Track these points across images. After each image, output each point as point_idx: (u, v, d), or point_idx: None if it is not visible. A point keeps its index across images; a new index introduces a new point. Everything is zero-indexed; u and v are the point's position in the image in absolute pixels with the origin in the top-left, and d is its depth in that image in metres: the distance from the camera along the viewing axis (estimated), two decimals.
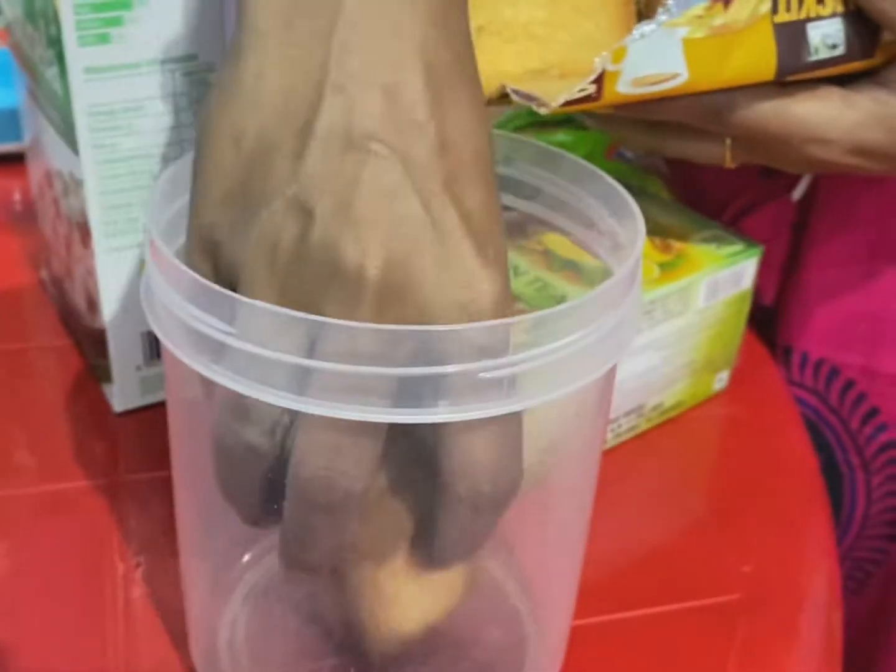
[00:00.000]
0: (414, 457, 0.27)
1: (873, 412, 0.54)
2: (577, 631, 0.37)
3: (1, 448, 0.44)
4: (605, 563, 0.40)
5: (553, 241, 0.44)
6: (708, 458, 0.48)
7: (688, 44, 0.34)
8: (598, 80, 0.34)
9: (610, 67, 0.34)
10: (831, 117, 0.38)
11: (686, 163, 0.61)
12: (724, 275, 0.46)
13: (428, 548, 0.28)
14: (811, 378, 0.55)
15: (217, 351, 0.26)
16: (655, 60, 0.34)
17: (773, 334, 0.56)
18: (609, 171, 0.32)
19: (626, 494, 0.44)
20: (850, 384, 0.54)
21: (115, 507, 0.41)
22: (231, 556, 0.36)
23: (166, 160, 0.41)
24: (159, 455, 0.42)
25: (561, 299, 0.42)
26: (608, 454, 0.46)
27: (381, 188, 0.25)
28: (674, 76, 0.35)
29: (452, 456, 0.26)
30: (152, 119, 0.40)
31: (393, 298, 0.25)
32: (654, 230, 0.47)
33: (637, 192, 0.50)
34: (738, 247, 0.47)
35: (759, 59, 0.36)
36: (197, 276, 0.26)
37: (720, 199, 0.58)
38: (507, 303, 0.25)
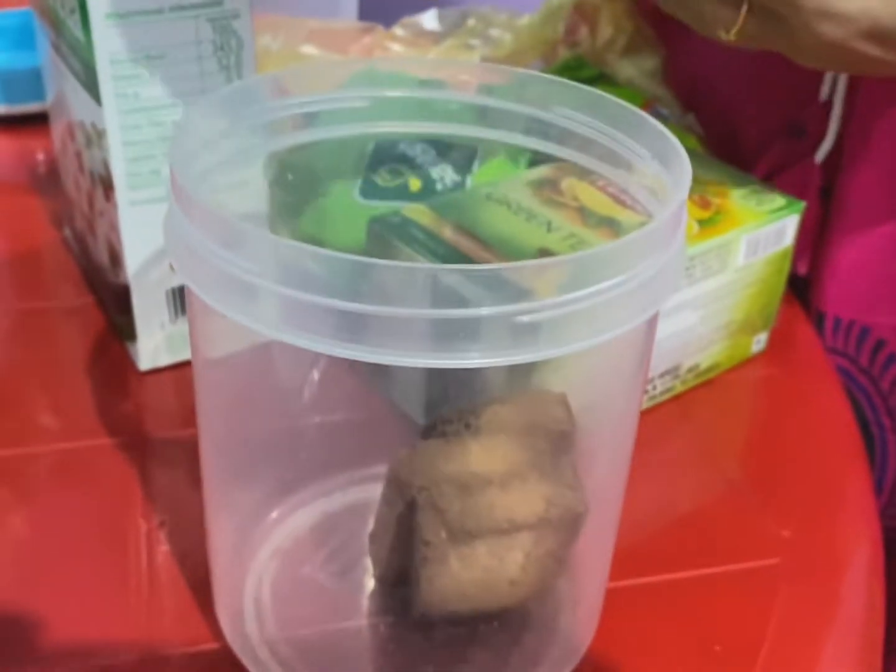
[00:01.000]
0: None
1: None
2: (614, 593, 0.36)
3: (25, 406, 0.44)
4: (641, 526, 0.39)
5: (588, 197, 0.42)
6: (745, 421, 0.46)
7: None
8: None
9: None
10: None
11: (717, 119, 0.59)
12: (765, 231, 0.44)
13: None
14: (842, 340, 0.53)
15: (245, 294, 0.25)
16: None
17: (806, 301, 0.55)
18: None
19: (661, 457, 0.43)
20: (881, 344, 0.52)
21: (139, 466, 0.41)
22: (258, 514, 0.35)
23: None
24: (184, 414, 0.41)
25: None
26: (643, 416, 0.44)
27: None
28: None
29: None
30: (175, 67, 0.39)
31: None
32: (693, 186, 0.45)
33: None
34: (779, 202, 0.45)
35: None
36: (225, 215, 0.25)
37: (747, 159, 0.57)
38: None
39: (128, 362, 0.46)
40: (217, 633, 0.34)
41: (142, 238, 0.42)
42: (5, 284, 0.52)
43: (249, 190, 0.39)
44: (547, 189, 0.42)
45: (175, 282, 0.44)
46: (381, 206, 0.46)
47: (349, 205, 0.47)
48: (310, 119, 0.34)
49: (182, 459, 0.41)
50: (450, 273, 0.23)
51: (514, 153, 0.44)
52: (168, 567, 0.36)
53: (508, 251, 0.40)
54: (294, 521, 0.35)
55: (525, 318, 0.23)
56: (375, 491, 0.31)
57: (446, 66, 0.35)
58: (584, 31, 0.62)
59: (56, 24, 0.43)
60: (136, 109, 0.39)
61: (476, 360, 0.24)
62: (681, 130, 0.57)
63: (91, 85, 0.40)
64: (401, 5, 0.73)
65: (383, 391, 0.38)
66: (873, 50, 0.36)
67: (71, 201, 0.50)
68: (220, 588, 0.34)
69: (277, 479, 0.36)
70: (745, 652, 0.35)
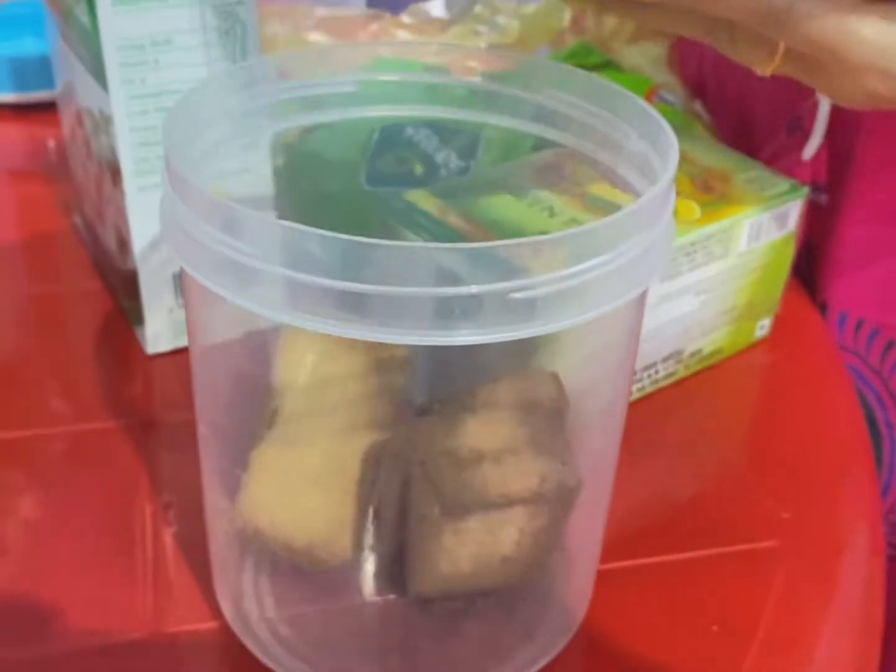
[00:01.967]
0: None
1: None
2: (613, 573, 0.36)
3: (34, 389, 0.44)
4: (642, 508, 0.40)
5: (591, 182, 0.43)
6: (748, 406, 0.47)
7: None
8: None
9: None
10: None
11: (724, 109, 0.59)
12: (768, 216, 0.44)
13: None
14: (851, 339, 0.53)
15: (243, 277, 0.25)
16: None
17: (811, 291, 0.55)
18: None
19: (662, 441, 0.43)
20: (891, 344, 0.52)
21: (146, 449, 0.41)
22: None
23: None
24: (190, 397, 0.42)
25: None
26: (646, 400, 0.45)
27: None
28: None
29: None
30: (181, 53, 0.40)
31: None
32: (696, 171, 0.45)
33: (680, 132, 0.48)
34: (782, 187, 0.45)
35: None
36: (220, 198, 0.25)
37: (754, 147, 0.57)
38: None
39: (136, 346, 0.46)
40: (219, 611, 0.34)
41: (149, 224, 0.43)
42: (17, 270, 0.52)
43: (253, 174, 0.40)
44: (550, 174, 0.42)
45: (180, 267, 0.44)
46: (386, 192, 0.47)
47: (354, 190, 0.47)
48: (314, 102, 0.35)
49: (188, 442, 0.41)
50: (445, 252, 0.24)
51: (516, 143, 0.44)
52: (173, 547, 0.37)
53: (511, 236, 0.40)
54: None
55: (518, 295, 0.24)
56: None
57: (445, 52, 0.35)
58: (590, 19, 0.62)
59: (64, 13, 0.44)
60: (142, 96, 0.40)
61: (471, 338, 0.24)
62: (687, 116, 0.57)
63: (98, 72, 0.40)
64: None
65: None
66: None
67: (80, 188, 0.51)
68: (218, 569, 0.34)
69: None
70: (743, 632, 0.35)
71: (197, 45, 0.40)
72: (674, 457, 0.43)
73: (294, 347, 0.30)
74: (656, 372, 0.45)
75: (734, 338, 0.48)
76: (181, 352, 0.46)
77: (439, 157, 0.47)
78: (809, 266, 0.54)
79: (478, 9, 0.66)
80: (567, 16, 0.63)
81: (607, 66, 0.60)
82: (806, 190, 0.46)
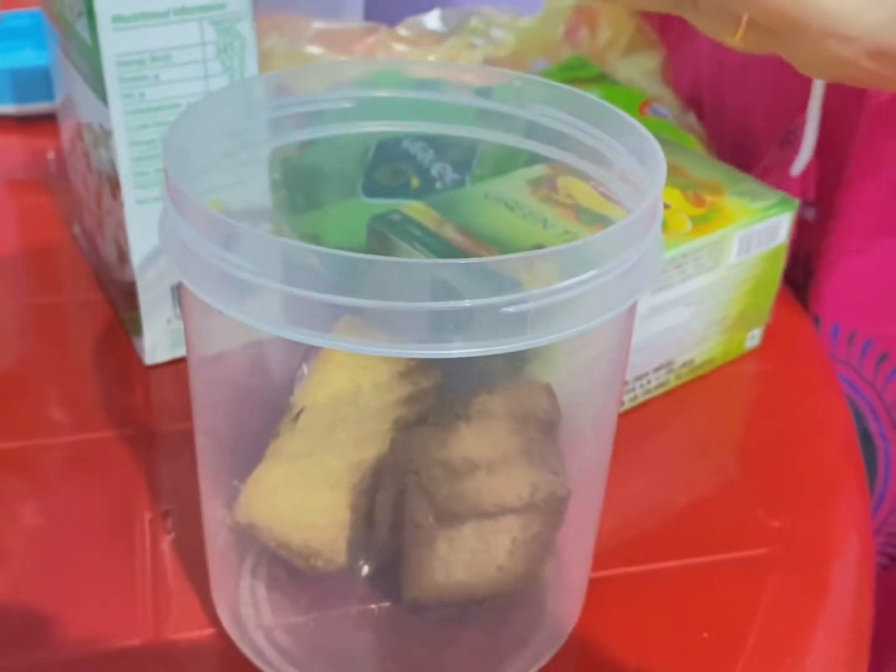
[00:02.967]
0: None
1: None
2: (605, 581, 0.36)
3: (33, 399, 0.45)
4: (634, 516, 0.40)
5: (583, 194, 0.43)
6: (739, 415, 0.47)
7: None
8: None
9: None
10: (855, 12, 0.34)
11: (718, 122, 0.60)
12: (758, 228, 0.45)
13: None
14: (844, 350, 0.54)
15: (241, 291, 0.26)
16: None
17: (803, 302, 0.55)
18: (644, 126, 0.32)
19: (655, 449, 0.44)
20: (884, 356, 0.53)
21: (144, 457, 0.42)
22: None
23: None
24: (188, 407, 0.42)
25: None
26: (638, 410, 0.45)
27: None
28: None
29: None
30: (180, 69, 0.40)
31: None
32: (687, 184, 0.46)
33: (671, 146, 0.49)
34: (772, 200, 0.46)
35: None
36: (219, 214, 0.26)
37: (748, 161, 0.57)
38: None
39: (134, 357, 0.47)
40: (216, 619, 0.35)
41: (148, 235, 0.43)
42: (17, 280, 0.53)
43: (250, 188, 0.40)
44: (543, 187, 0.43)
45: (179, 279, 0.45)
46: (383, 204, 0.47)
47: (351, 203, 0.48)
48: (310, 118, 0.35)
49: (186, 451, 0.41)
50: (440, 267, 0.24)
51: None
52: (171, 555, 0.37)
53: (505, 248, 0.41)
54: None
55: (511, 309, 0.24)
56: None
57: (439, 67, 0.36)
58: (584, 32, 0.63)
59: (64, 27, 0.44)
60: (141, 110, 0.40)
61: (465, 350, 0.25)
62: (680, 129, 0.58)
63: (98, 86, 0.41)
64: (405, 5, 0.74)
65: None
66: (878, 67, 0.36)
67: (80, 199, 0.51)
68: (216, 576, 0.35)
69: None
70: (734, 639, 0.35)
71: (196, 60, 0.40)
72: (665, 466, 0.43)
73: (329, 357, 0.31)
74: (648, 382, 0.45)
75: (725, 348, 0.48)
76: (179, 362, 0.46)
77: (435, 170, 0.48)
78: (802, 280, 0.55)
79: (473, 22, 0.67)
80: (561, 29, 0.64)
81: (601, 78, 0.61)
82: (796, 203, 0.46)
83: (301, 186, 0.45)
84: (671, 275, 0.43)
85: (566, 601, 0.35)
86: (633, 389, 0.45)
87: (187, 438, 0.42)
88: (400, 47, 0.67)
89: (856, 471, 0.44)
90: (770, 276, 0.48)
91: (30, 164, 0.64)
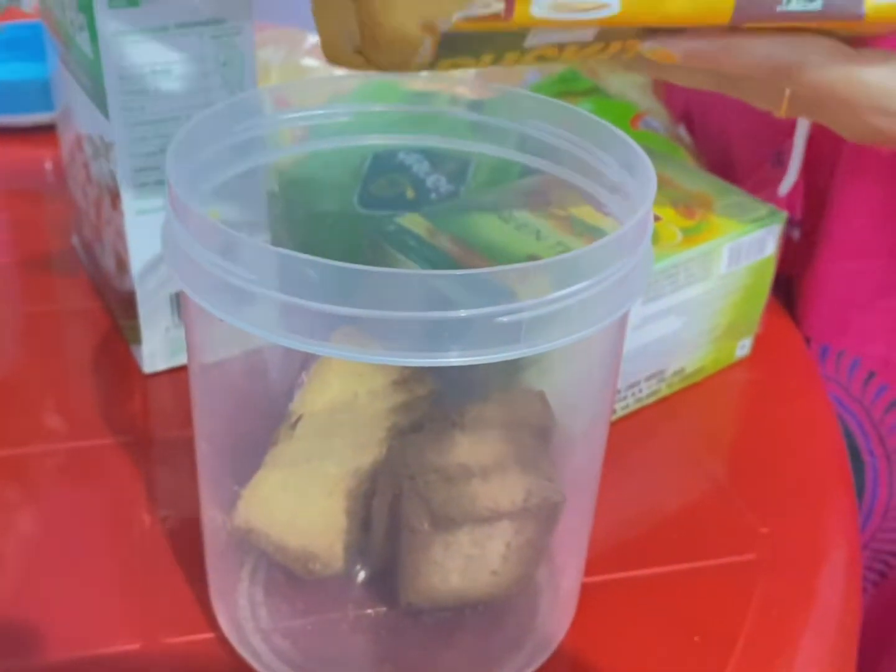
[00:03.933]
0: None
1: (894, 404, 0.53)
2: (596, 586, 0.37)
3: (33, 406, 0.45)
4: (625, 522, 0.41)
5: (576, 206, 0.44)
6: (729, 423, 0.48)
7: None
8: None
9: None
10: None
11: (709, 138, 0.61)
12: (747, 240, 0.46)
13: None
14: (833, 368, 0.55)
15: (241, 300, 0.26)
16: None
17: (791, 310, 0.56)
18: (635, 140, 0.32)
19: (646, 456, 0.44)
20: (871, 374, 0.54)
21: (143, 464, 0.42)
22: None
23: None
24: (185, 414, 0.43)
25: None
26: (630, 418, 0.46)
27: None
28: (603, 6, 0.32)
29: None
30: (180, 82, 0.41)
31: None
32: (678, 196, 0.47)
33: (662, 159, 0.50)
34: (761, 212, 0.47)
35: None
36: (219, 224, 0.26)
37: (738, 177, 0.58)
38: None
39: (132, 365, 0.47)
40: (215, 623, 0.35)
41: (147, 246, 0.44)
42: (16, 289, 0.53)
43: (249, 199, 0.41)
44: (536, 199, 0.44)
45: (178, 288, 0.45)
46: (379, 215, 0.48)
47: (347, 213, 0.49)
48: (308, 131, 0.36)
49: (184, 458, 0.42)
50: (436, 277, 0.25)
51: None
52: (170, 560, 0.38)
53: (499, 258, 0.42)
54: None
55: (505, 319, 0.25)
56: None
57: (433, 80, 0.37)
58: None
59: (65, 40, 0.45)
60: (142, 122, 0.41)
61: (460, 359, 0.25)
62: (670, 142, 0.59)
63: (99, 99, 0.41)
64: None
65: None
66: None
67: (79, 210, 0.52)
68: (215, 581, 0.35)
69: None
70: (724, 642, 0.36)
71: (196, 73, 0.41)
72: (657, 473, 0.44)
73: (327, 365, 0.32)
74: (640, 390, 0.46)
75: (716, 357, 0.49)
76: (177, 370, 0.47)
77: (430, 182, 0.49)
78: (786, 299, 0.56)
79: None
80: None
81: (594, 91, 0.62)
82: (784, 215, 0.47)
83: (298, 197, 0.46)
84: (662, 285, 0.43)
85: (559, 605, 0.36)
86: (625, 398, 0.46)
87: (185, 445, 0.43)
88: None
89: (843, 477, 0.45)
90: (759, 286, 0.49)
91: (27, 175, 0.65)
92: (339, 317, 0.25)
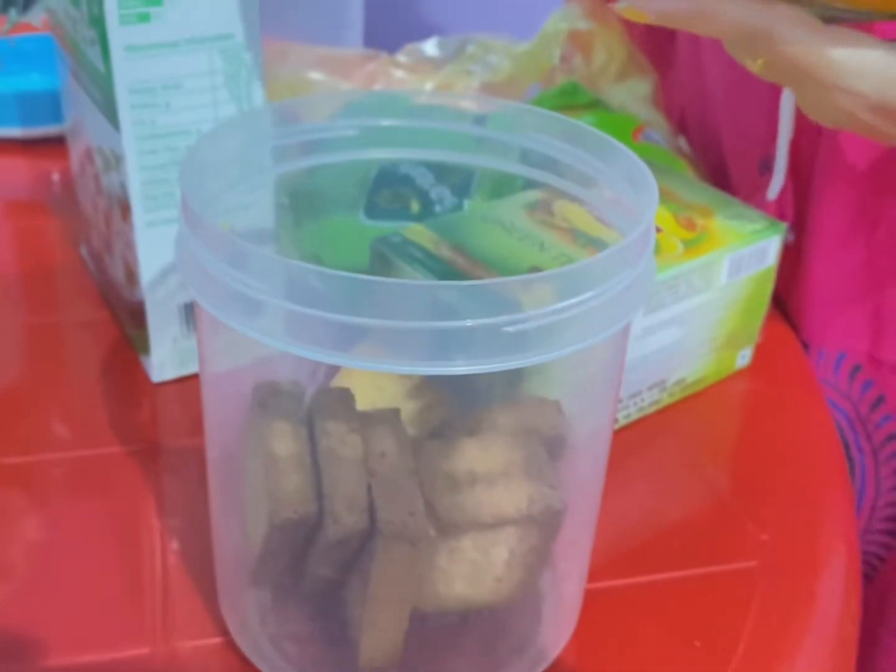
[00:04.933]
0: None
1: (880, 400, 0.54)
2: (599, 593, 0.38)
3: (42, 415, 0.46)
4: (627, 530, 0.41)
5: (578, 218, 0.45)
6: (730, 432, 0.48)
7: None
8: None
9: None
10: (867, 71, 0.36)
11: (703, 146, 0.62)
12: (747, 252, 0.46)
13: None
14: (822, 365, 0.55)
15: (252, 309, 0.27)
16: None
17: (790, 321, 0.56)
18: (637, 152, 0.33)
19: (648, 465, 0.45)
20: (857, 369, 0.54)
21: (151, 473, 0.43)
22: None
23: None
24: (194, 423, 0.43)
25: None
26: (631, 427, 0.47)
27: None
28: None
29: None
30: (190, 96, 0.42)
31: None
32: (679, 208, 0.48)
33: (663, 171, 0.51)
34: (761, 224, 0.47)
35: None
36: (231, 235, 0.27)
37: (733, 184, 0.59)
38: None
39: (141, 374, 0.48)
40: (224, 628, 0.36)
41: (156, 257, 0.44)
42: (25, 299, 0.54)
43: (257, 211, 0.42)
44: (540, 211, 0.44)
45: (187, 298, 0.46)
46: (384, 227, 0.49)
47: (353, 225, 0.49)
48: (314, 145, 0.37)
49: (192, 466, 0.43)
50: (442, 288, 0.26)
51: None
52: (179, 566, 0.38)
53: (502, 269, 0.42)
54: None
55: (510, 329, 0.26)
56: None
57: (439, 97, 0.37)
58: (578, 58, 0.64)
59: (76, 54, 0.46)
60: (152, 136, 0.42)
61: (466, 368, 0.26)
62: (671, 154, 0.60)
63: (110, 112, 0.42)
64: (404, 33, 0.75)
65: None
66: (879, 122, 0.38)
67: (88, 221, 0.53)
68: (224, 587, 0.36)
69: None
70: (725, 648, 0.37)
71: (205, 88, 0.42)
72: (658, 480, 0.45)
73: (346, 378, 0.32)
74: (642, 400, 0.47)
75: (716, 367, 0.50)
76: (185, 380, 0.48)
77: (434, 194, 0.49)
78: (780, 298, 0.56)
79: (470, 48, 0.68)
80: (556, 55, 0.66)
81: (596, 104, 0.63)
82: (784, 226, 0.48)
83: (305, 210, 0.47)
84: (664, 296, 0.44)
85: (562, 611, 0.36)
86: (627, 407, 0.46)
87: (193, 454, 0.43)
88: (399, 73, 0.68)
89: (842, 486, 0.45)
90: (759, 297, 0.49)
91: (35, 186, 0.65)
92: (348, 326, 0.26)
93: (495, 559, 0.31)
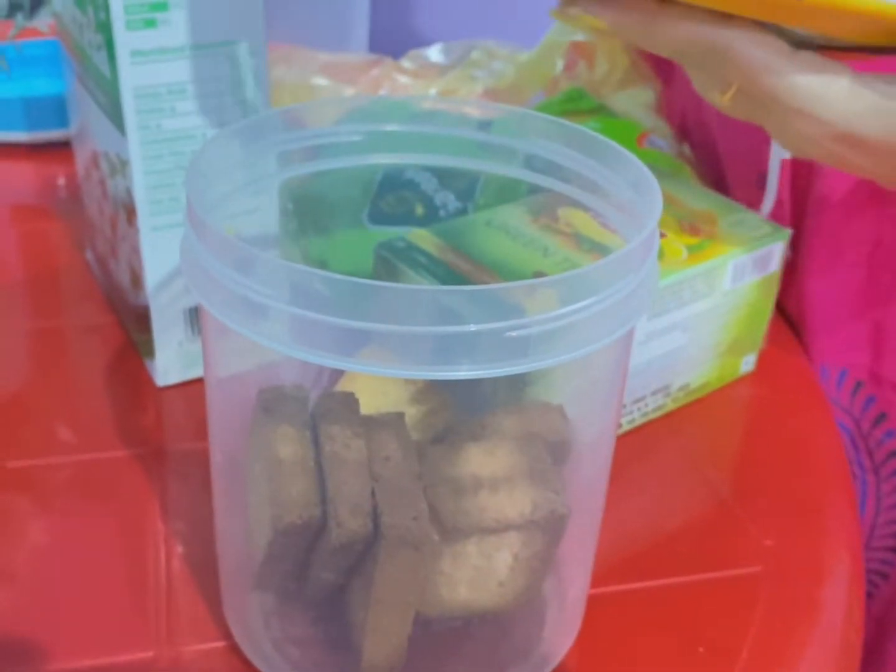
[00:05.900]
0: None
1: (881, 417, 0.54)
2: (602, 597, 0.38)
3: (47, 419, 0.46)
4: (631, 535, 0.41)
5: (582, 224, 0.45)
6: (733, 438, 0.48)
7: None
8: None
9: None
10: (831, 99, 0.35)
11: (705, 153, 0.62)
12: (751, 257, 0.46)
13: None
14: (823, 382, 0.55)
15: (257, 314, 0.27)
16: None
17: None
18: (641, 158, 0.33)
19: (652, 470, 0.45)
20: (859, 385, 0.54)
21: (155, 476, 0.43)
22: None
23: None
24: (198, 427, 0.44)
25: None
26: (635, 432, 0.47)
27: None
28: None
29: None
30: (195, 101, 0.42)
31: None
32: (683, 214, 0.48)
33: (667, 177, 0.51)
34: (764, 230, 0.47)
35: None
36: (236, 240, 0.27)
37: (734, 191, 0.59)
38: None
39: (146, 378, 0.48)
40: (228, 631, 0.36)
41: (162, 261, 0.45)
42: (30, 303, 0.54)
43: (261, 215, 0.42)
44: (543, 216, 0.44)
45: (192, 302, 0.46)
46: (388, 232, 0.49)
47: (358, 230, 0.50)
48: (319, 151, 0.37)
49: (196, 470, 0.43)
50: (446, 293, 0.26)
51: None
52: (183, 569, 0.38)
53: (506, 274, 0.42)
54: None
55: (514, 334, 0.26)
56: None
57: (443, 102, 0.37)
58: (581, 66, 0.65)
59: (82, 59, 0.46)
60: (158, 140, 0.42)
61: (469, 373, 0.26)
62: (675, 161, 0.60)
63: (116, 117, 0.42)
64: (408, 39, 0.76)
65: None
66: (841, 150, 0.37)
67: (93, 225, 0.53)
68: (228, 590, 0.36)
69: None
70: (728, 653, 0.37)
71: (211, 93, 0.42)
72: (662, 486, 0.45)
73: (350, 382, 0.32)
74: (646, 405, 0.47)
75: (720, 372, 0.50)
76: (190, 384, 0.48)
77: (438, 199, 0.49)
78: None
79: (474, 55, 0.69)
80: (560, 63, 0.66)
81: (600, 110, 0.63)
82: (788, 232, 0.48)
83: (310, 214, 0.47)
84: (668, 301, 0.44)
85: (565, 616, 0.36)
86: (631, 412, 0.46)
87: (198, 457, 0.44)
88: (403, 79, 0.68)
89: (845, 491, 0.45)
90: (764, 302, 0.49)
91: (41, 191, 0.66)
92: (352, 331, 0.26)
93: (499, 564, 0.31)
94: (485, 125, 0.37)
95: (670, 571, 0.40)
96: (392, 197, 0.50)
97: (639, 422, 0.47)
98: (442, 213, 0.49)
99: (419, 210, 0.49)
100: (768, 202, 0.53)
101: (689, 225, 0.47)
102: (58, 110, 0.64)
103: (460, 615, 0.33)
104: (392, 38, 0.88)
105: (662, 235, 0.46)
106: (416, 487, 0.30)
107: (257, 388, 0.32)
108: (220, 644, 0.36)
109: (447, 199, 0.49)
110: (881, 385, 0.53)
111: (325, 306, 0.26)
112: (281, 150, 0.36)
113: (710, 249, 0.46)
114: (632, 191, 0.32)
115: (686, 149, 0.61)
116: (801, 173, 0.53)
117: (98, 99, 0.45)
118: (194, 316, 0.46)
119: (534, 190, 0.43)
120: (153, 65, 0.41)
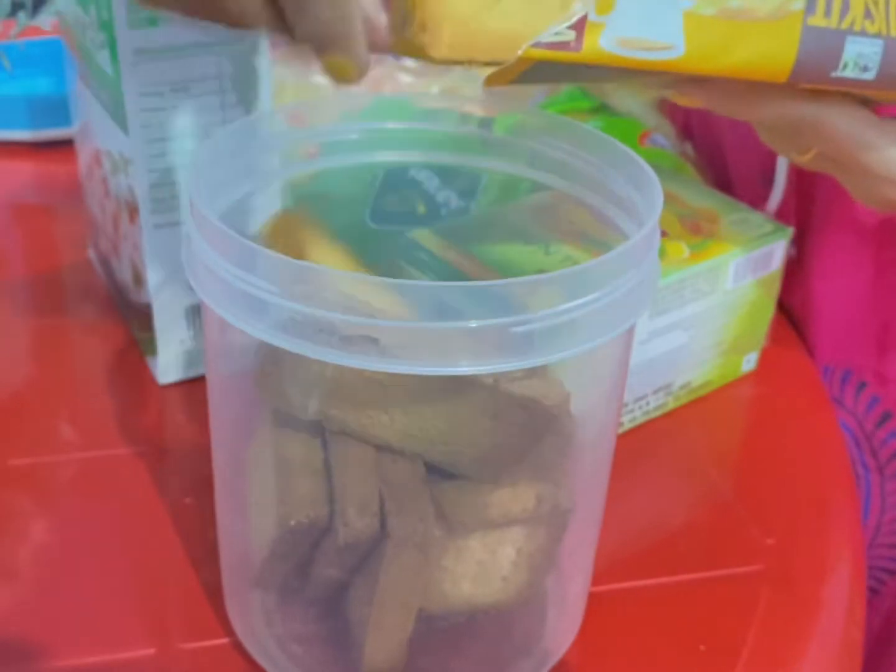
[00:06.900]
0: None
1: (886, 416, 0.54)
2: (604, 595, 0.38)
3: (49, 417, 0.46)
4: (632, 533, 0.41)
5: (584, 222, 0.45)
6: (735, 436, 0.48)
7: (690, 17, 0.32)
8: (579, 29, 0.31)
9: (593, 18, 0.31)
10: None
11: (709, 152, 0.62)
12: (753, 256, 0.46)
13: None
14: (827, 380, 0.55)
15: (258, 309, 0.27)
16: (649, 25, 0.32)
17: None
18: (643, 157, 0.33)
19: (653, 469, 0.45)
20: (863, 385, 0.54)
21: (157, 474, 0.43)
22: None
23: None
24: (200, 425, 0.43)
25: None
26: (637, 431, 0.47)
27: None
28: (668, 47, 0.32)
29: None
30: (198, 100, 0.42)
31: None
32: (685, 212, 0.48)
33: (669, 176, 0.51)
34: (767, 228, 0.47)
35: (774, 57, 0.33)
36: (238, 236, 0.27)
37: (737, 189, 0.59)
38: None
39: (148, 376, 0.48)
40: (230, 629, 0.36)
41: (164, 259, 0.45)
42: (32, 301, 0.54)
43: (263, 214, 0.42)
44: (545, 214, 0.44)
45: (194, 300, 0.46)
46: (390, 230, 0.49)
47: (360, 228, 0.50)
48: (321, 149, 0.37)
49: (197, 468, 0.43)
50: (448, 289, 0.26)
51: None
52: (185, 566, 0.39)
53: (508, 272, 0.42)
54: None
55: (518, 329, 0.26)
56: None
57: (444, 99, 0.38)
58: None
59: (85, 57, 0.46)
60: (160, 139, 0.42)
61: (472, 368, 0.26)
62: (678, 159, 0.60)
63: (118, 115, 0.42)
64: None
65: None
66: None
67: (96, 223, 0.53)
68: (230, 588, 0.36)
69: None
70: (729, 652, 0.37)
71: (213, 91, 0.42)
72: (663, 485, 0.45)
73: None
74: (647, 403, 0.47)
75: (722, 371, 0.50)
76: (192, 382, 0.48)
77: (441, 198, 0.49)
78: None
79: None
80: None
81: (602, 109, 0.63)
82: (790, 231, 0.48)
83: (312, 213, 0.47)
84: (669, 300, 0.44)
85: (567, 614, 0.36)
86: (632, 411, 0.46)
87: (199, 455, 0.44)
88: (405, 77, 0.68)
89: (848, 490, 0.45)
90: (765, 301, 0.49)
91: (43, 189, 0.66)
92: (353, 326, 0.26)
93: (502, 558, 0.31)
94: (487, 123, 0.37)
95: (672, 570, 0.40)
96: (394, 195, 0.50)
97: (640, 420, 0.47)
98: (444, 211, 0.49)
99: (421, 208, 0.49)
100: (775, 199, 0.53)
101: (691, 223, 0.47)
102: (60, 109, 0.64)
103: (463, 611, 0.33)
104: None
105: (664, 234, 0.46)
106: (424, 489, 0.30)
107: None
108: (223, 641, 0.36)
109: (449, 198, 0.49)
110: (886, 385, 0.53)
111: (325, 302, 0.26)
112: (283, 149, 0.36)
113: (712, 248, 0.46)
114: (633, 189, 0.32)
115: (689, 147, 0.61)
116: (807, 171, 0.53)
117: (101, 97, 0.45)
118: (196, 314, 0.46)
119: (536, 188, 0.43)
120: (156, 63, 0.41)
